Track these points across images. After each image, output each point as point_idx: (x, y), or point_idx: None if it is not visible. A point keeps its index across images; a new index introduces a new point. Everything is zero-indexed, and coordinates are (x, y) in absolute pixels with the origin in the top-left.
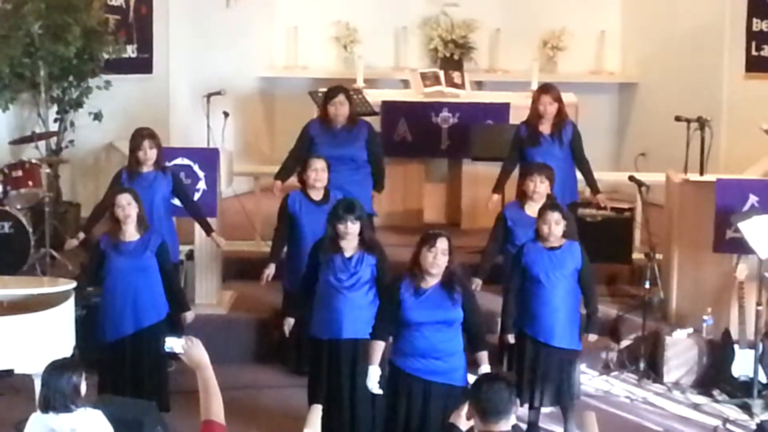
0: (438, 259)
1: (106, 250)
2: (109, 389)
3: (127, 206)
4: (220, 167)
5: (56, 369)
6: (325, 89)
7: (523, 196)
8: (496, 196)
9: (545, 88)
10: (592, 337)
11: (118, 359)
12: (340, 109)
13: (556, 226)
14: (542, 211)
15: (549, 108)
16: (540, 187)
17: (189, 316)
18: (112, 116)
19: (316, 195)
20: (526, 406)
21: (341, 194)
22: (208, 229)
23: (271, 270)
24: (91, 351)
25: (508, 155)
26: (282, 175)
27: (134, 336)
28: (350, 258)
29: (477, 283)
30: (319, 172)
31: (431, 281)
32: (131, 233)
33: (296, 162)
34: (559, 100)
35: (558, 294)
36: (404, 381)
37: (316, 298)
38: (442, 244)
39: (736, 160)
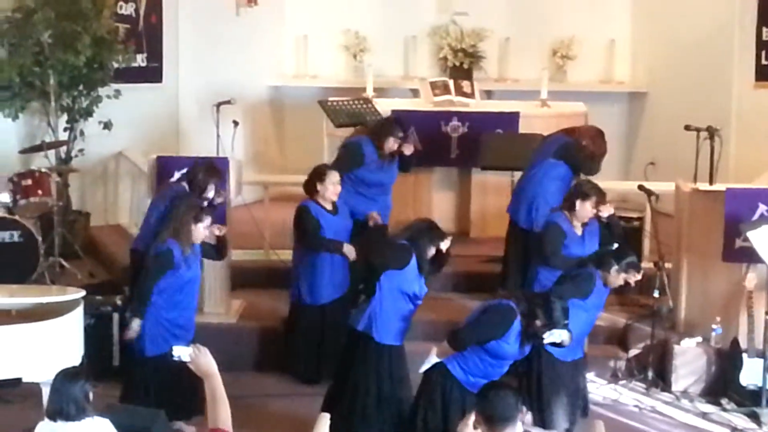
0: None
1: (179, 264)
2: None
3: None
4: (229, 176)
5: (69, 376)
6: (335, 98)
7: (571, 209)
8: None
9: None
10: None
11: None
12: (395, 149)
13: None
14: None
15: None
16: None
17: None
18: (121, 125)
19: (329, 206)
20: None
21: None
22: None
23: (349, 248)
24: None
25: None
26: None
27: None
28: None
29: None
30: (336, 186)
31: None
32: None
33: None
34: None
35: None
36: (461, 394)
37: (391, 311)
38: None
39: (745, 169)
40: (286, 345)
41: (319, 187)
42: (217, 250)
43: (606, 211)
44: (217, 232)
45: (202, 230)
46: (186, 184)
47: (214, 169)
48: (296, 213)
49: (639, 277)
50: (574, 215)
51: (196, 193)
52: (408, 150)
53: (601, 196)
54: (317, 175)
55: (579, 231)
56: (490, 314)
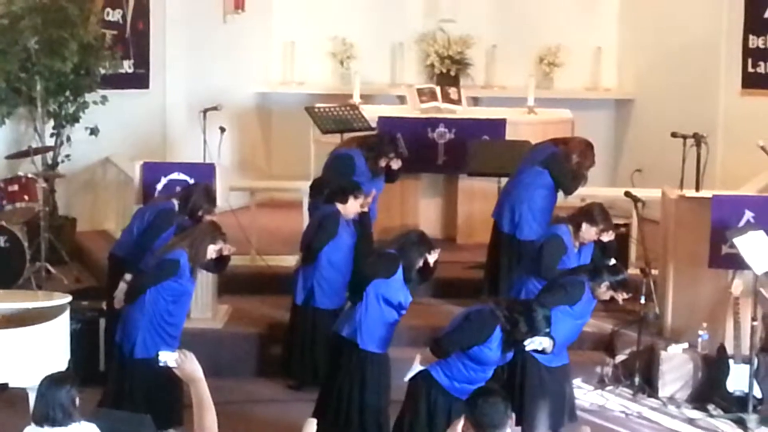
0: None
1: (183, 274)
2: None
3: None
4: (216, 182)
5: (55, 382)
6: (322, 105)
7: (576, 228)
8: None
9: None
10: None
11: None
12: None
13: None
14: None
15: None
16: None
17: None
18: (108, 131)
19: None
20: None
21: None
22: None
23: None
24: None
25: None
26: None
27: None
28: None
29: None
30: (365, 206)
31: None
32: None
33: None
34: None
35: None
36: (446, 400)
37: (376, 318)
38: None
39: (732, 176)
40: (290, 348)
41: (351, 201)
42: (216, 264)
43: (607, 237)
44: (225, 252)
45: (212, 252)
46: (176, 201)
47: (209, 194)
48: (325, 216)
49: (627, 296)
50: (578, 235)
51: (185, 213)
52: (396, 165)
53: (607, 225)
54: (352, 191)
55: (576, 248)
56: (472, 320)
